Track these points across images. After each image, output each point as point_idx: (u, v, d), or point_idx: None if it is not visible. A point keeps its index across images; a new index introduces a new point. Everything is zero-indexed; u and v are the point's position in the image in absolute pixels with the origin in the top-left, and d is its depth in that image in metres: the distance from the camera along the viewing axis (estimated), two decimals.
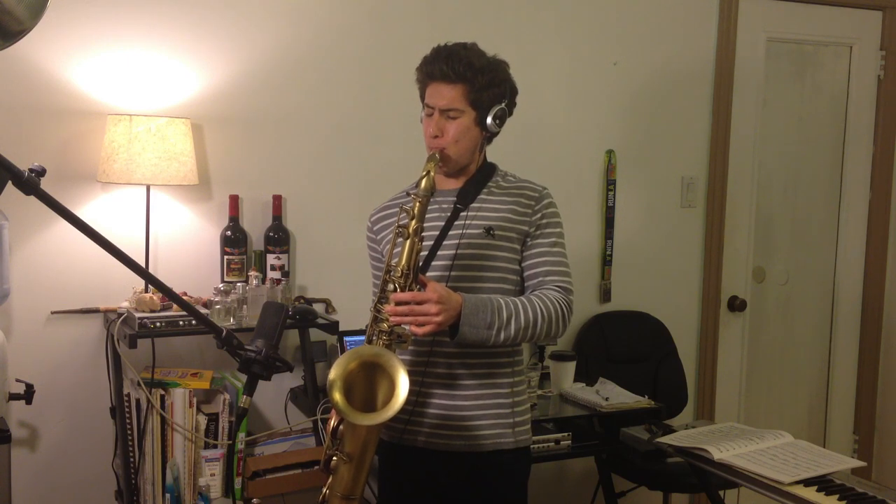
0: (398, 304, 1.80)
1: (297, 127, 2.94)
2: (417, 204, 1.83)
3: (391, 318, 1.81)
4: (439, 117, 1.95)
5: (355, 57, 3.00)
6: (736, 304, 3.76)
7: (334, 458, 1.84)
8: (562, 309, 1.95)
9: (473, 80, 1.92)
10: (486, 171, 2.06)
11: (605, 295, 3.49)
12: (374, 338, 1.86)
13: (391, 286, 1.85)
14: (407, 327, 1.83)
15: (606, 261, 3.48)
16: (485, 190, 2.03)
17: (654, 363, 3.49)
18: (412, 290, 1.83)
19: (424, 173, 1.85)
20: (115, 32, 2.68)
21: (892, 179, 3.98)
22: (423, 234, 1.97)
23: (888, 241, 4.00)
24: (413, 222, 1.83)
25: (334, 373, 1.73)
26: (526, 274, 2.02)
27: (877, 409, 4.09)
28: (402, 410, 1.98)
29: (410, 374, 1.99)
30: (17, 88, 2.59)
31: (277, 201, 2.87)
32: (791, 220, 3.88)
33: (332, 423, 1.89)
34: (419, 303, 1.79)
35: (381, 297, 1.87)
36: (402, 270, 1.83)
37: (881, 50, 3.91)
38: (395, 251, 1.87)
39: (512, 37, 3.19)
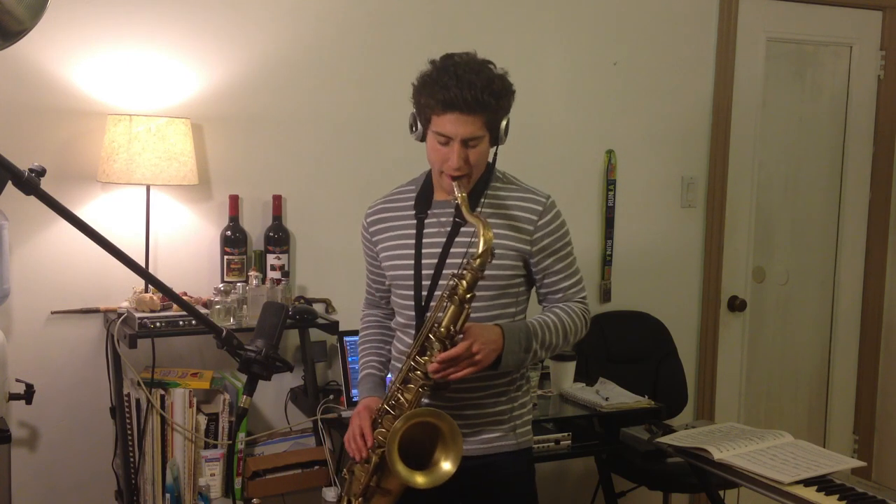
0: (444, 362, 1.79)
1: (297, 127, 2.94)
2: (469, 275, 1.79)
3: (436, 374, 1.80)
4: (461, 147, 1.86)
5: (355, 57, 2.99)
6: (736, 304, 3.76)
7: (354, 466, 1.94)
8: (584, 319, 2.02)
9: (496, 107, 1.87)
10: (484, 177, 1.99)
11: (605, 295, 3.49)
12: (412, 383, 1.85)
13: (436, 344, 1.81)
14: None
15: (606, 261, 3.48)
16: (485, 199, 1.97)
17: (654, 363, 3.48)
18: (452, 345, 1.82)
19: (480, 240, 1.76)
20: (115, 32, 2.68)
21: (892, 179, 3.98)
22: (424, 249, 1.97)
23: (888, 241, 4.00)
24: (463, 291, 1.79)
25: (392, 438, 1.79)
26: (545, 290, 2.02)
27: (877, 409, 4.09)
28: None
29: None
30: (17, 88, 2.59)
31: (277, 201, 2.87)
32: (791, 220, 3.88)
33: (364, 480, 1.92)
34: (464, 356, 1.80)
35: (421, 349, 1.84)
36: (445, 331, 1.80)
37: (881, 50, 3.91)
38: (443, 307, 1.83)
39: (512, 37, 3.19)
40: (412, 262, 1.98)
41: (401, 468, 1.78)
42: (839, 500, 2.05)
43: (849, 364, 4.05)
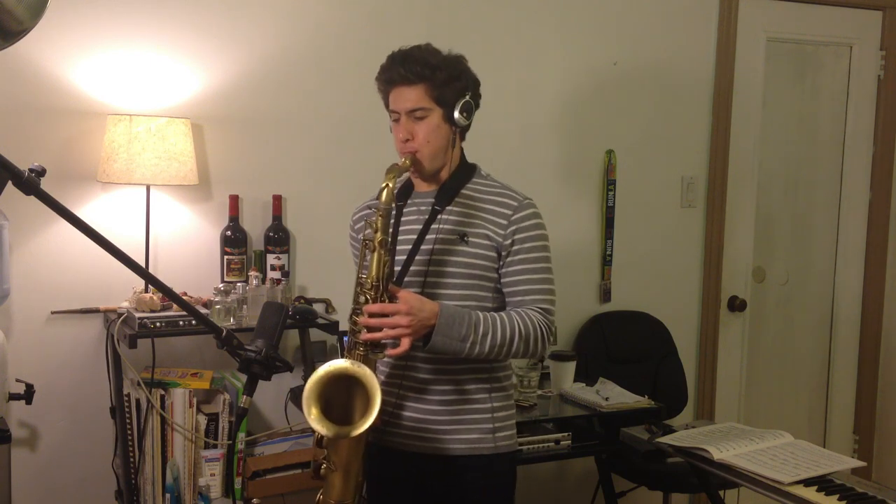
0: (371, 315, 1.81)
1: (297, 127, 2.94)
2: (379, 218, 1.82)
3: (363, 334, 1.82)
4: (406, 120, 1.95)
5: (355, 57, 2.99)
6: (736, 304, 3.76)
7: (322, 467, 1.85)
8: (541, 331, 1.93)
9: (432, 77, 1.92)
10: (466, 172, 2.04)
11: (605, 295, 3.49)
12: (352, 349, 1.86)
13: (363, 298, 1.84)
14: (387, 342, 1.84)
15: (606, 261, 3.48)
16: (463, 191, 2.00)
17: (654, 363, 3.49)
18: (384, 301, 1.83)
19: (383, 185, 1.83)
20: (115, 32, 2.68)
21: (892, 179, 3.98)
22: (401, 236, 1.99)
23: (888, 241, 4.00)
24: (378, 234, 1.82)
25: (308, 388, 1.73)
26: (506, 290, 1.98)
27: (877, 409, 4.09)
28: (383, 412, 1.98)
29: (389, 378, 2.01)
30: (17, 88, 2.59)
31: (277, 201, 2.87)
32: (791, 220, 3.88)
33: (317, 434, 1.88)
34: (389, 315, 1.80)
35: (356, 309, 1.86)
36: (371, 283, 1.83)
37: (881, 50, 3.91)
38: (364, 263, 1.86)
39: (512, 37, 3.19)
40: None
41: (315, 419, 1.71)
42: (839, 500, 2.05)
43: (849, 364, 4.05)
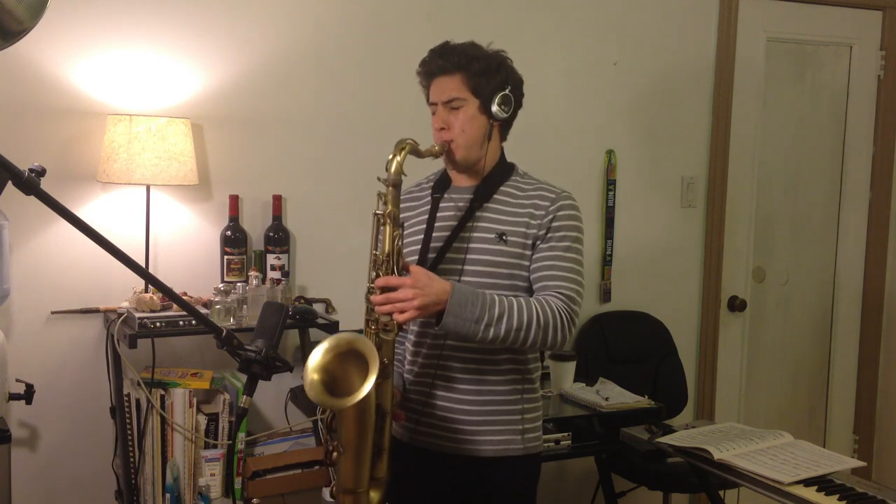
0: (379, 289, 1.81)
1: (297, 127, 2.94)
2: (390, 188, 1.83)
3: (376, 308, 1.82)
4: (443, 110, 1.96)
5: (355, 57, 3.00)
6: (736, 304, 3.76)
7: (333, 452, 1.84)
8: (561, 318, 1.87)
9: (469, 66, 1.93)
10: (505, 170, 2.04)
11: (605, 295, 3.49)
12: (366, 327, 1.87)
13: (374, 274, 1.84)
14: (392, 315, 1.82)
15: (606, 261, 3.48)
16: (503, 188, 2.00)
17: (654, 363, 3.49)
18: (396, 275, 1.83)
19: (391, 157, 1.85)
20: (115, 32, 2.68)
21: (892, 179, 3.98)
22: (436, 232, 1.98)
23: (888, 241, 4.00)
24: (389, 207, 1.83)
25: (311, 360, 1.74)
26: (532, 276, 1.96)
27: (877, 409, 4.09)
28: (412, 410, 1.99)
29: (420, 374, 2.00)
30: (17, 88, 2.59)
31: (277, 201, 2.87)
32: (791, 220, 3.88)
33: (327, 416, 1.90)
34: (395, 288, 1.78)
35: (370, 287, 1.85)
36: (382, 257, 1.82)
37: (881, 50, 3.91)
38: (378, 239, 1.85)
39: (512, 37, 3.17)
40: (422, 237, 2.00)
41: (318, 393, 1.71)
42: (839, 500, 2.05)
43: (849, 364, 4.05)
